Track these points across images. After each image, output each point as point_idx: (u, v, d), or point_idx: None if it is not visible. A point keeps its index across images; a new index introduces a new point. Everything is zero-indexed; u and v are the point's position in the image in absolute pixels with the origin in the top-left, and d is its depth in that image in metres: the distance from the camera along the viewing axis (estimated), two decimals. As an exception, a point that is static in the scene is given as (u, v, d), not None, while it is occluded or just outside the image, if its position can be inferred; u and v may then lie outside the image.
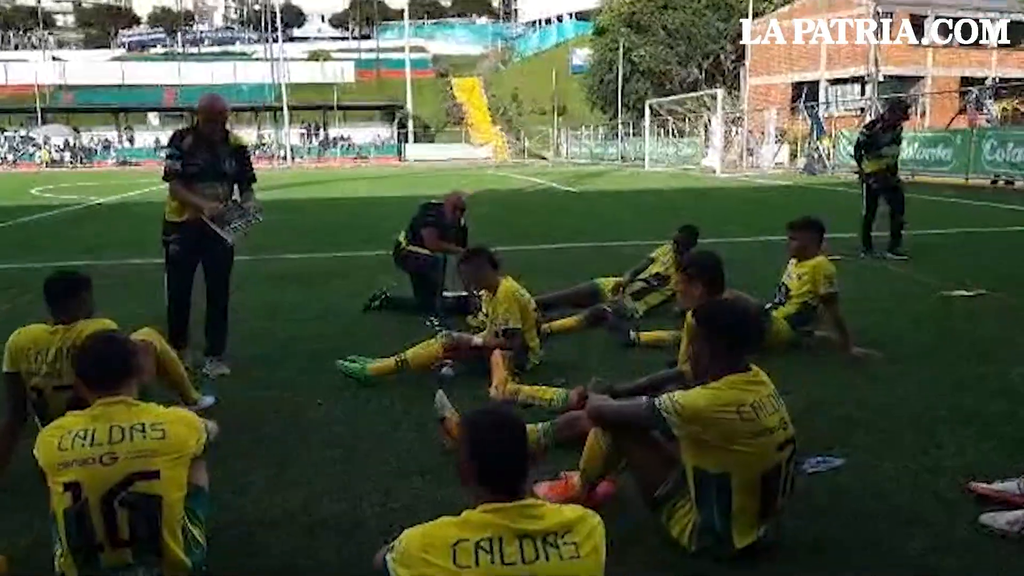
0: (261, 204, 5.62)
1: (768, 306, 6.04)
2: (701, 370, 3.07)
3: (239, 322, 6.05)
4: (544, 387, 4.76)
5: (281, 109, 55.20)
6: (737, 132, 37.48)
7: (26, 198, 22.98)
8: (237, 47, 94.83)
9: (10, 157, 53.85)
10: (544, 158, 56.83)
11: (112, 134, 58.91)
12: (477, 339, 5.12)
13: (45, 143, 55.41)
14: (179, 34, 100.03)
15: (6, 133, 57.50)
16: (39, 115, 57.56)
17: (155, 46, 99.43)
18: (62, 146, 55.56)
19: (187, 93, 63.77)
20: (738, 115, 39.16)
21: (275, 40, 58.88)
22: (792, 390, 4.97)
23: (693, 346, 3.15)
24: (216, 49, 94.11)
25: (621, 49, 50.10)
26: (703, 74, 49.89)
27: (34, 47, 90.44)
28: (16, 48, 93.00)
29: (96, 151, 56.17)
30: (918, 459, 3.88)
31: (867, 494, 3.53)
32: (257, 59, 71.49)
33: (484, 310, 5.66)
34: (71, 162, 53.57)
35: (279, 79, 56.27)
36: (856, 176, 10.85)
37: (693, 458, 2.93)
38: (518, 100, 71.49)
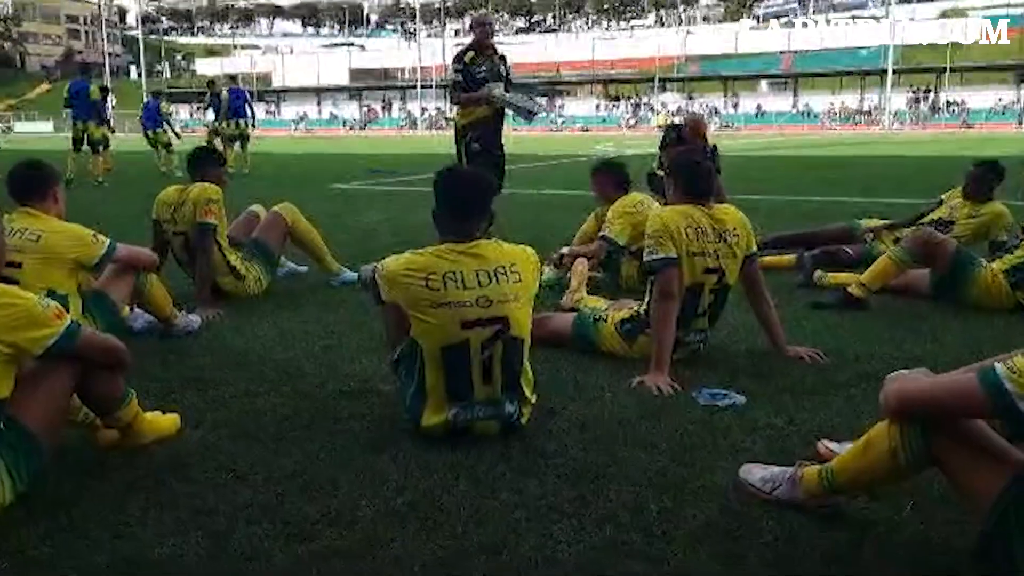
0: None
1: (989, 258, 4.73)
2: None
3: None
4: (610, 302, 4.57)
5: (887, 72, 52.51)
6: None
7: (585, 150, 26.30)
8: (868, 11, 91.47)
9: (632, 122, 60.90)
10: None
11: (720, 101, 62.52)
12: (564, 249, 5.12)
13: (663, 108, 61.52)
14: (811, 1, 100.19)
15: (631, 99, 65.18)
16: (656, 83, 63.88)
17: (786, 15, 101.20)
18: (675, 111, 60.94)
19: (801, 60, 64.38)
20: None
21: (896, 1, 55.98)
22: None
23: None
24: (844, 14, 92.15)
25: None
26: None
27: (679, 23, 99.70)
28: (663, 24, 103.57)
29: (703, 115, 60.45)
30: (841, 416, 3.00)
31: (705, 433, 2.95)
32: (870, 19, 68.33)
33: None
34: (681, 126, 58.50)
35: (891, 40, 53.46)
36: None
37: (412, 326, 2.88)
38: None
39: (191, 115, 72.16)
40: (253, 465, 2.69)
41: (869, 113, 55.61)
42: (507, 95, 6.72)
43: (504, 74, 6.82)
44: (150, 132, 16.90)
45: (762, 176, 15.17)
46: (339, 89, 75.17)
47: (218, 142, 15.81)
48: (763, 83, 67.04)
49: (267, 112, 74.56)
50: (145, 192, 5.20)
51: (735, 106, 61.59)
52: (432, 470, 2.64)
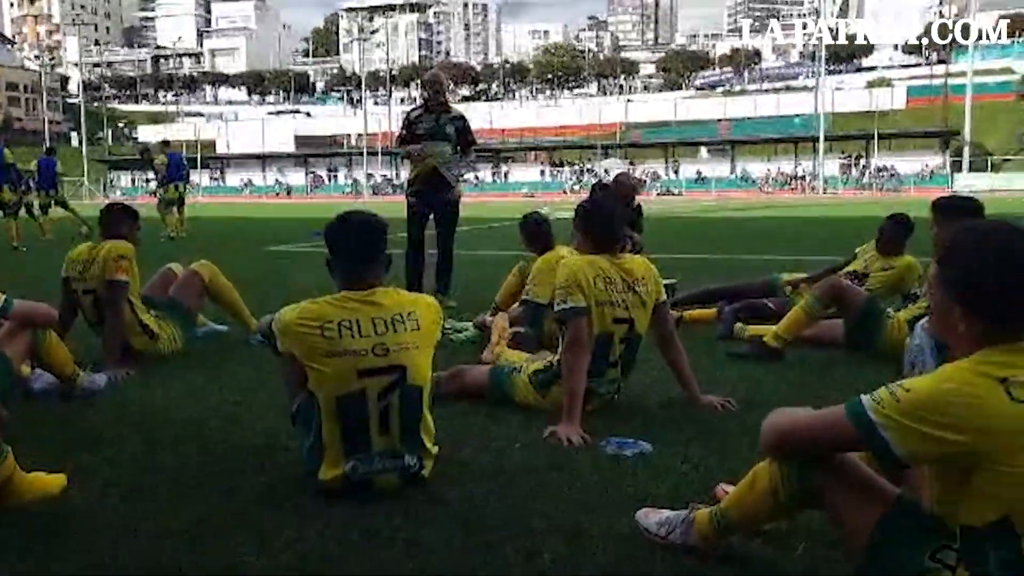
0: (475, 159, 7.49)
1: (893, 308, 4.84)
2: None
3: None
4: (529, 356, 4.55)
5: (817, 140, 54.38)
6: None
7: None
8: (800, 81, 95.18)
9: (576, 187, 61.74)
10: None
11: (661, 167, 63.93)
12: (488, 317, 5.14)
13: (605, 174, 62.53)
14: (745, 72, 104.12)
15: (574, 166, 66.35)
16: (599, 150, 65.24)
17: (724, 85, 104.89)
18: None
19: (738, 127, 66.50)
20: None
21: (825, 72, 58.50)
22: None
23: None
24: (778, 84, 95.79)
25: None
26: None
27: (619, 92, 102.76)
28: (605, 94, 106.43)
29: (645, 182, 61.44)
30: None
31: (610, 481, 2.90)
32: (801, 90, 71.24)
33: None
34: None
35: (819, 109, 55.53)
36: None
37: (308, 377, 2.82)
38: None
39: (132, 182, 71.51)
40: (141, 523, 2.58)
41: (803, 179, 57.32)
42: (445, 158, 6.66)
43: (453, 134, 6.70)
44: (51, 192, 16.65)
45: (698, 235, 15.54)
46: (285, 156, 75.07)
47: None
48: (703, 150, 68.81)
49: (211, 179, 74.15)
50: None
51: (676, 171, 63.00)
52: (327, 523, 2.56)
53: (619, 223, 3.74)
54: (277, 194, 64.85)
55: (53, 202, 16.62)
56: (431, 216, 6.90)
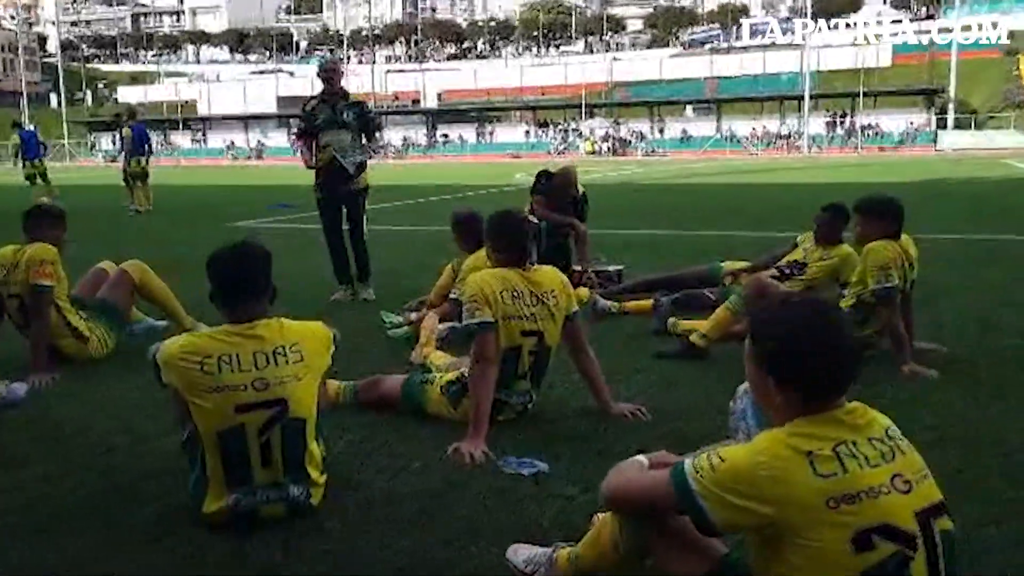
0: (379, 143, 8.00)
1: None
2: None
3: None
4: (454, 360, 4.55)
5: (802, 98, 54.08)
6: None
7: (504, 179, 26.23)
8: (787, 38, 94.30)
9: (562, 148, 61.35)
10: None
11: (646, 126, 63.47)
12: (413, 315, 5.16)
13: (590, 134, 62.07)
14: (734, 28, 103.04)
15: (559, 126, 65.86)
16: (583, 110, 64.69)
17: (711, 42, 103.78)
18: (603, 137, 61.55)
19: (725, 85, 66.09)
20: None
21: (805, 28, 58.03)
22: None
23: None
24: (764, 41, 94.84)
25: None
26: None
27: (606, 49, 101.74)
28: (592, 51, 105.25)
29: (630, 142, 61.09)
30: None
31: (499, 507, 2.95)
32: (789, 47, 70.68)
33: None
34: (608, 151, 59.04)
35: (805, 67, 55.20)
36: None
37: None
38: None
39: (113, 143, 70.56)
40: (22, 559, 2.61)
41: (789, 137, 57.09)
42: (343, 147, 6.55)
43: (352, 121, 6.59)
44: (35, 161, 16.63)
45: (666, 207, 15.53)
46: (267, 117, 74.09)
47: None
48: (688, 108, 68.35)
49: (193, 141, 73.35)
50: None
51: (661, 131, 62.54)
52: (206, 560, 2.59)
53: (528, 238, 3.73)
54: (248, 157, 63.97)
55: (37, 173, 16.62)
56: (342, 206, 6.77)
